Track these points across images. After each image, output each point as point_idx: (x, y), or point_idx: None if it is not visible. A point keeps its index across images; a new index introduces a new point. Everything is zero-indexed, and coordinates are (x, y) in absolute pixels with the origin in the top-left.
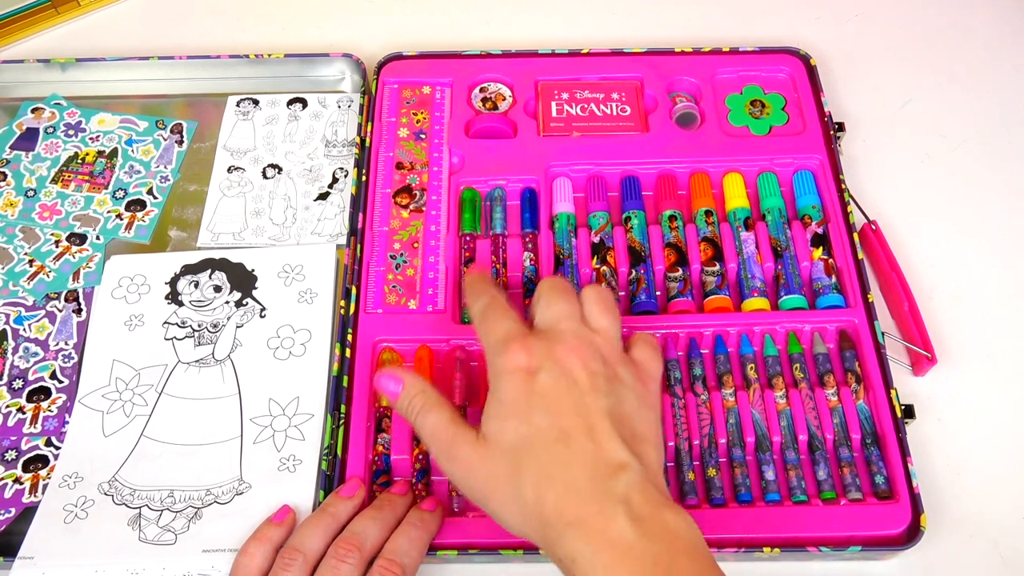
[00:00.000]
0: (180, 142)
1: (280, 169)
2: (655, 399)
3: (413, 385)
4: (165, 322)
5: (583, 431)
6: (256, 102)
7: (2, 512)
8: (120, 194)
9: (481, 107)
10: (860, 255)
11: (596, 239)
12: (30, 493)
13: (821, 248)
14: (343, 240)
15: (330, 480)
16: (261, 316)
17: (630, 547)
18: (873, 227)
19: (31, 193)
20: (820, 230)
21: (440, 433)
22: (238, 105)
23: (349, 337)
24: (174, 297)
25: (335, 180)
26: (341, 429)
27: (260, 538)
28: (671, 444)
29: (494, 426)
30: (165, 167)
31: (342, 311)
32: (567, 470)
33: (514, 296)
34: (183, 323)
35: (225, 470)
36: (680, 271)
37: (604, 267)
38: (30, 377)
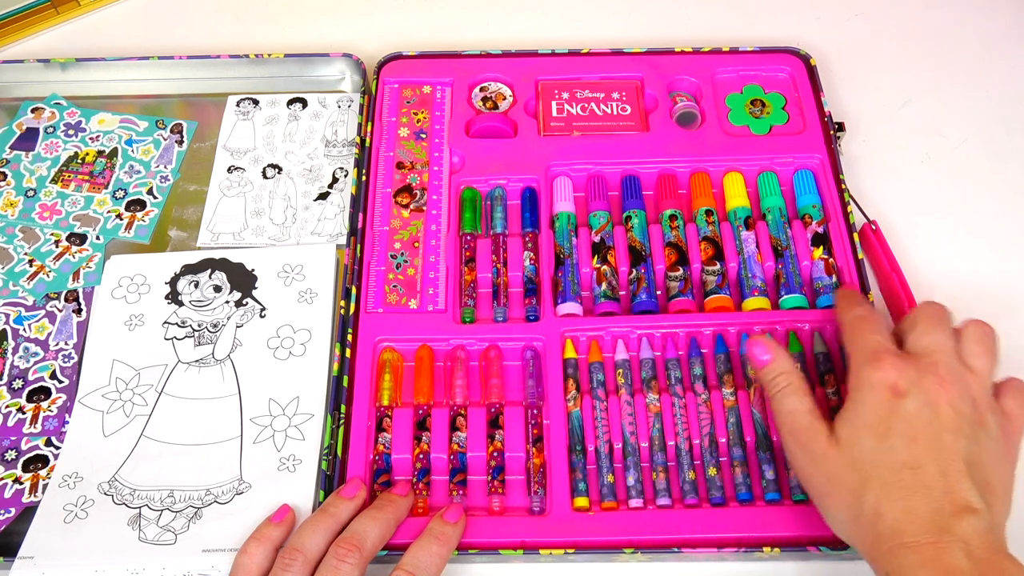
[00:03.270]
0: (180, 142)
1: (280, 169)
2: (1016, 454)
3: (783, 363)
4: (165, 322)
5: (935, 465)
6: (256, 102)
7: (2, 512)
8: (120, 194)
9: (481, 107)
10: (860, 255)
11: (597, 238)
12: (30, 493)
13: (821, 247)
14: (343, 240)
15: (330, 480)
16: (261, 316)
17: None
18: (873, 227)
19: (31, 193)
20: (820, 229)
21: (798, 419)
22: (238, 105)
23: (349, 337)
24: (174, 297)
25: (335, 180)
26: (341, 429)
27: (260, 538)
28: (671, 443)
29: (849, 432)
30: (165, 167)
31: (342, 311)
32: (911, 497)
33: (514, 296)
34: (183, 323)
35: (225, 470)
36: (681, 270)
37: (605, 266)
38: (30, 377)
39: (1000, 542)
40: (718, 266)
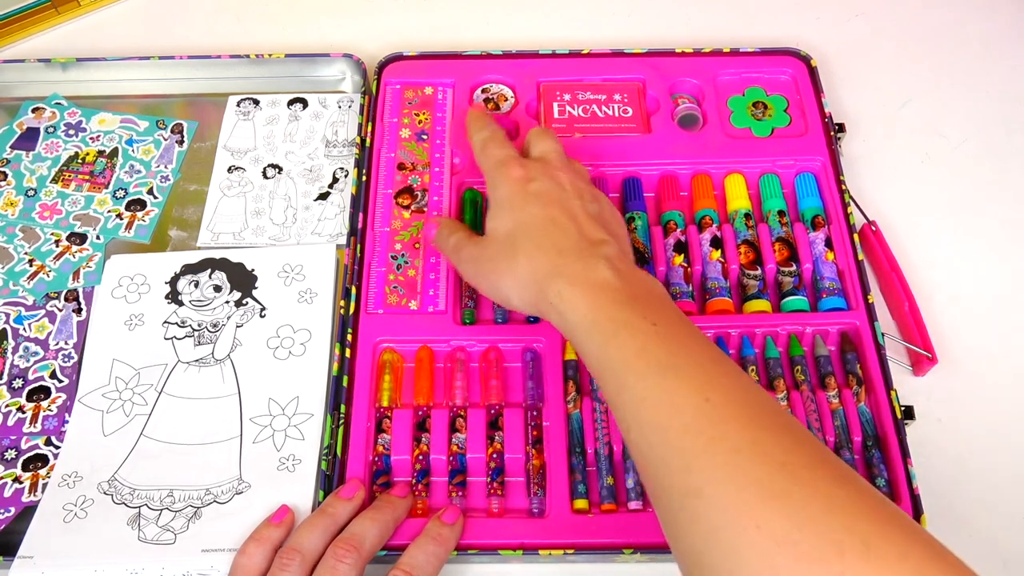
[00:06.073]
0: (180, 142)
1: (280, 169)
2: (623, 219)
3: (444, 224)
4: (165, 321)
5: (567, 217)
6: (256, 102)
7: (2, 511)
8: (120, 194)
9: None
10: (860, 255)
11: None
12: (30, 492)
13: (830, 251)
14: (343, 240)
15: (330, 480)
16: (261, 316)
17: (609, 284)
18: (873, 227)
19: (31, 193)
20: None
21: (456, 243)
22: (238, 105)
23: (349, 337)
24: (174, 297)
25: (335, 180)
26: (341, 429)
27: (259, 538)
28: None
29: (494, 223)
30: (165, 167)
31: (342, 311)
32: (557, 242)
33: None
34: (183, 323)
35: (224, 470)
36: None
37: None
38: (30, 376)
39: (634, 262)
40: (721, 268)
